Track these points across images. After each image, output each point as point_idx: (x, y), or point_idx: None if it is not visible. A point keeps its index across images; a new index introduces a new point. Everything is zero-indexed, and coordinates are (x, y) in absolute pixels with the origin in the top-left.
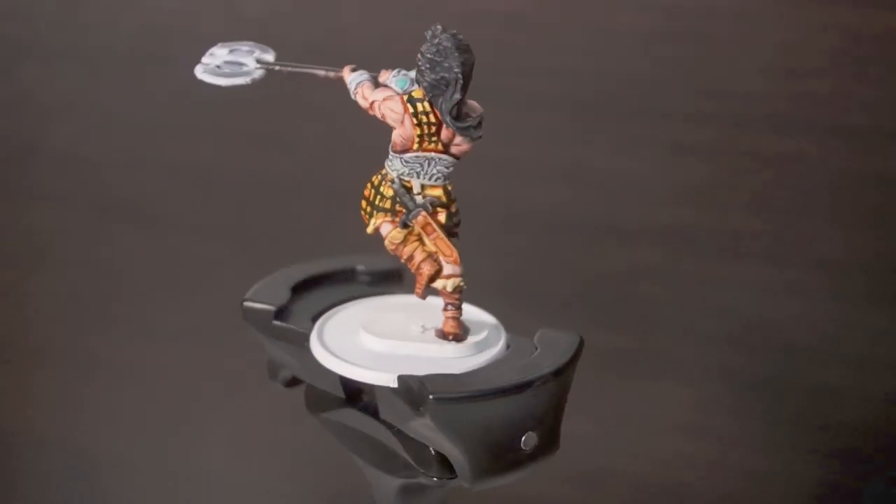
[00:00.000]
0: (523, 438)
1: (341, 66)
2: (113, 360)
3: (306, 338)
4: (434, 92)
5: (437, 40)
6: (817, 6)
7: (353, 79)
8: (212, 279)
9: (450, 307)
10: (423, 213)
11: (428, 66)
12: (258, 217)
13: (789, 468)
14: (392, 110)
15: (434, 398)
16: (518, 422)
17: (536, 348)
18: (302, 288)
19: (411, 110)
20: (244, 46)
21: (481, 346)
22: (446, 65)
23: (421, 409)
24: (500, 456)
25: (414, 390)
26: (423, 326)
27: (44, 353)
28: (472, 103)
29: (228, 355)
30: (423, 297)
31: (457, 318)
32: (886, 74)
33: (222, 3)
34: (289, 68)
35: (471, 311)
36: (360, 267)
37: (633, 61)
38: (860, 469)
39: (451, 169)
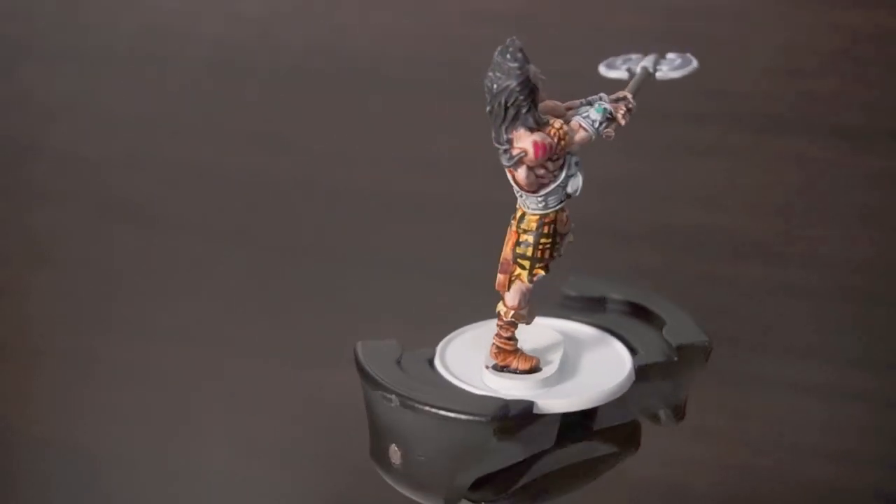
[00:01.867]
0: None
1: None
2: (113, 360)
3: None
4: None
5: (520, 55)
6: (817, 6)
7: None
8: (212, 279)
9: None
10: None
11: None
12: (258, 217)
13: (789, 468)
14: (544, 147)
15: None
16: None
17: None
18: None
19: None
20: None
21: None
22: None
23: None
24: None
25: (699, 344)
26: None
27: (44, 353)
28: (527, 137)
29: (228, 355)
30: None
31: (496, 346)
32: (886, 74)
33: (222, 3)
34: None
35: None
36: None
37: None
38: (861, 469)
39: (523, 196)
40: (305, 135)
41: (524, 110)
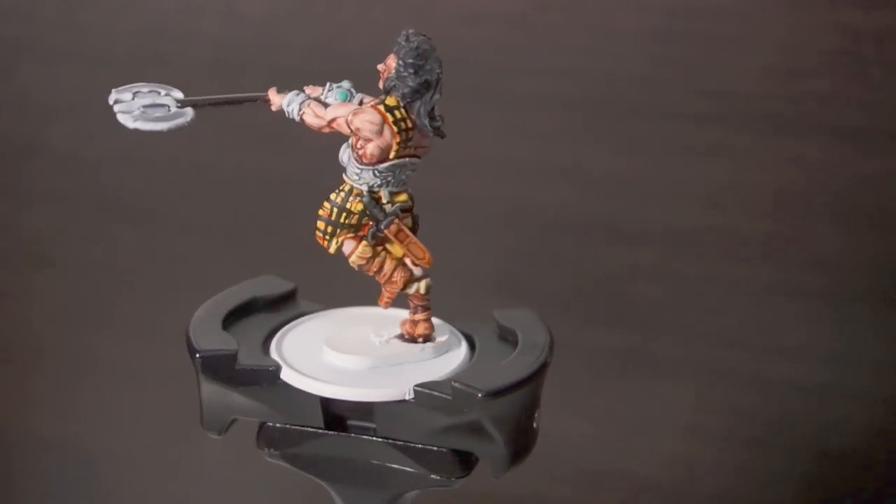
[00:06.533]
0: (535, 415)
1: (264, 90)
2: (113, 360)
3: (276, 373)
4: (415, 96)
5: (414, 43)
6: (817, 6)
7: (293, 100)
8: (212, 279)
9: (419, 309)
10: (396, 220)
11: (412, 70)
12: (257, 216)
13: (789, 468)
14: (370, 122)
15: (484, 395)
16: (533, 403)
17: (511, 329)
18: (229, 325)
19: (391, 118)
20: (145, 88)
21: (451, 344)
22: (428, 67)
23: (466, 409)
24: (525, 439)
25: (463, 392)
26: (380, 336)
27: (44, 353)
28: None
29: None
30: (389, 305)
31: (428, 320)
32: (886, 74)
33: (222, 3)
34: (211, 103)
35: (394, 313)
36: (258, 294)
37: (633, 61)
38: (861, 470)
39: (413, 172)
40: (305, 135)
41: None
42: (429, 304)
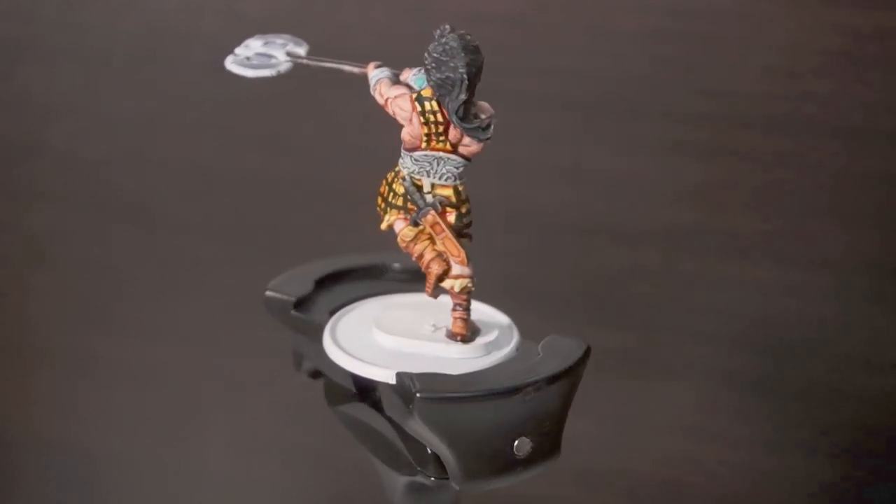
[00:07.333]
0: (516, 444)
1: (367, 63)
2: (113, 360)
3: (321, 330)
4: (441, 91)
5: (444, 39)
6: (817, 6)
7: (374, 75)
8: (212, 279)
9: (457, 308)
10: (432, 212)
11: (434, 65)
12: (258, 217)
13: (789, 468)
14: (401, 108)
15: (420, 396)
16: (509, 426)
17: (540, 354)
18: (326, 281)
19: (419, 109)
20: (279, 39)
21: (489, 349)
22: (452, 65)
23: (410, 406)
24: (491, 459)
25: (406, 387)
26: (434, 325)
27: (44, 353)
28: (483, 105)
29: (228, 355)
30: (434, 295)
31: (464, 319)
32: (886, 74)
33: (222, 3)
34: (317, 63)
35: (487, 312)
36: (388, 264)
37: (633, 61)
38: (861, 469)
39: (462, 169)
40: (305, 135)
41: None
42: (465, 305)
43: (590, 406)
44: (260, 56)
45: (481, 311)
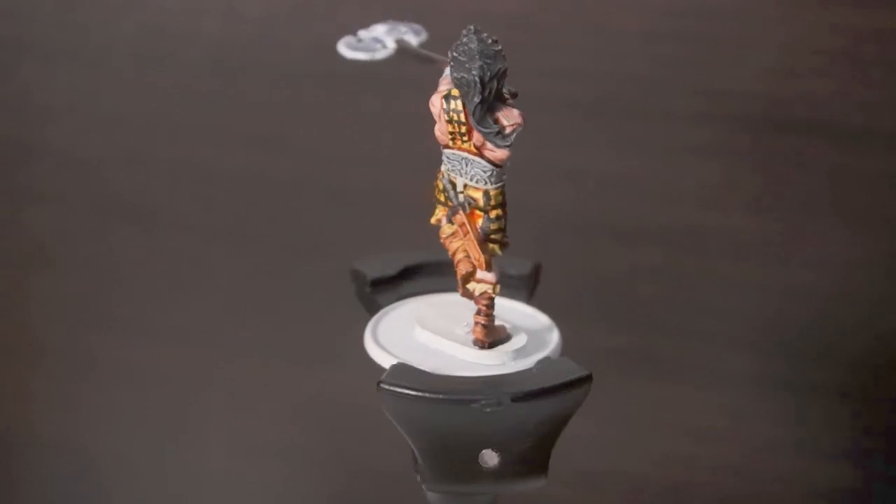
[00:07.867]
0: (481, 454)
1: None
2: (113, 360)
3: (372, 313)
4: (461, 90)
5: (465, 40)
6: (817, 6)
7: (446, 71)
8: (212, 279)
9: (479, 312)
10: (461, 211)
11: (454, 64)
12: (258, 217)
13: (789, 468)
14: (433, 104)
15: (382, 386)
16: (471, 435)
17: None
18: (412, 270)
19: (444, 107)
20: (402, 26)
21: (503, 358)
22: (467, 66)
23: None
24: (456, 464)
25: (384, 379)
26: (468, 326)
27: (44, 353)
28: (512, 111)
29: (228, 355)
30: (465, 295)
31: (483, 325)
32: (886, 74)
33: (222, 3)
34: (416, 53)
35: (541, 321)
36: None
37: (633, 61)
38: (861, 469)
39: (490, 173)
40: (305, 135)
41: (501, 88)
42: (485, 311)
43: (590, 406)
44: (372, 41)
45: (536, 318)
